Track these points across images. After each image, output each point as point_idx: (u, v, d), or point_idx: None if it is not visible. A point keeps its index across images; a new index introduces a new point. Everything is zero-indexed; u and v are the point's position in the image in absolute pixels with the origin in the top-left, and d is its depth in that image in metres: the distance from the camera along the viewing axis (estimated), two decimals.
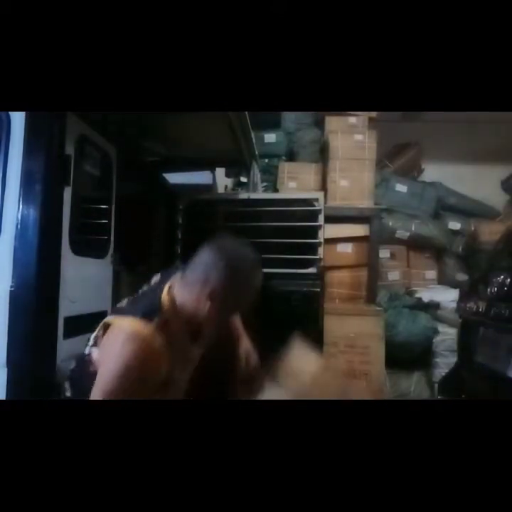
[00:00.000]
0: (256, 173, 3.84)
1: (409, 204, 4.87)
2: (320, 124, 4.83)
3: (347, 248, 4.32)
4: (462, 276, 4.81)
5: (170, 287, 1.38)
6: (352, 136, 4.48)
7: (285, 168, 4.60)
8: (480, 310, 2.14)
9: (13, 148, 1.72)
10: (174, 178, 3.84)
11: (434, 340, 4.04)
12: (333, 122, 4.68)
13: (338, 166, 4.42)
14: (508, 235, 2.39)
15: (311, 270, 3.26)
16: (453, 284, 4.72)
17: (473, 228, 4.90)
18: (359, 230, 4.31)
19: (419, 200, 4.92)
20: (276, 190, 4.54)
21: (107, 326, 1.36)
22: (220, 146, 3.08)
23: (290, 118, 4.82)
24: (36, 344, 1.68)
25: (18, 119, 1.71)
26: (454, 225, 5.03)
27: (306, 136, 4.81)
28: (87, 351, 1.42)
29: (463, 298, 2.77)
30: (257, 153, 3.64)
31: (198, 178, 4.16)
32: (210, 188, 4.36)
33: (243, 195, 3.51)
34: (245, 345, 1.76)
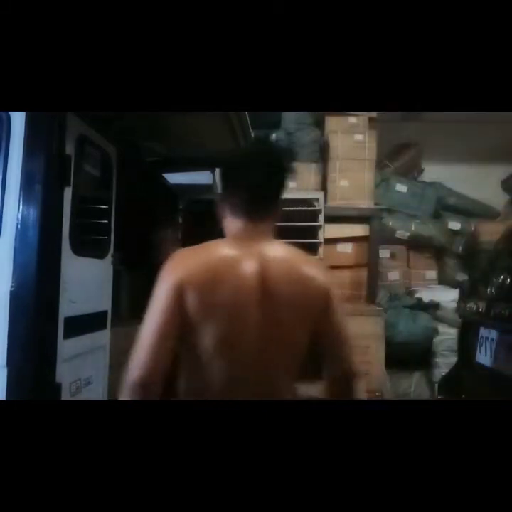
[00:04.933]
0: None
1: (409, 204, 4.88)
2: (320, 124, 4.84)
3: (347, 248, 4.33)
4: (462, 276, 4.81)
5: None
6: (352, 136, 4.49)
7: None
8: (480, 310, 2.14)
9: (13, 148, 1.72)
10: (174, 178, 3.84)
11: (434, 340, 4.04)
12: (333, 122, 4.68)
13: (338, 166, 4.42)
14: (508, 235, 2.38)
15: None
16: (453, 284, 4.73)
17: (473, 228, 4.91)
18: (359, 230, 4.31)
19: (419, 200, 4.92)
20: None
21: None
22: (220, 146, 3.08)
23: (290, 118, 4.82)
24: (36, 344, 1.68)
25: (18, 119, 1.71)
26: (454, 225, 5.03)
27: (306, 136, 4.81)
28: None
29: (463, 298, 2.77)
30: None
31: (198, 178, 4.17)
32: (210, 188, 4.37)
33: None
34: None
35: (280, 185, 1.26)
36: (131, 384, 1.11)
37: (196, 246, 1.21)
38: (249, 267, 1.15)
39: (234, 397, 1.14)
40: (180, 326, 1.12)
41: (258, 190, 1.21)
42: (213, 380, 1.16)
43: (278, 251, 1.21)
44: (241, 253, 1.16)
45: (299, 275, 1.18)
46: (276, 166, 1.25)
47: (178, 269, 1.14)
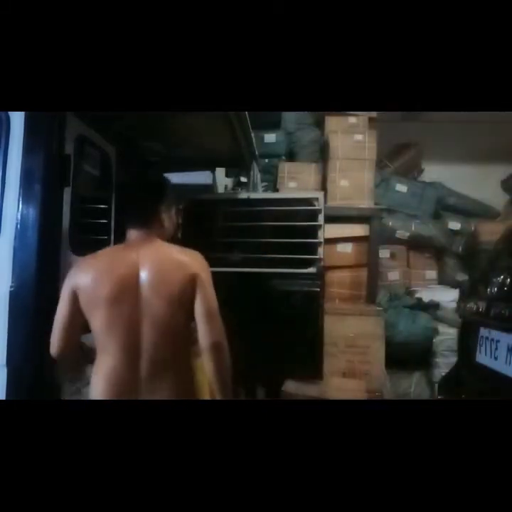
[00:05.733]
0: (256, 173, 3.84)
1: (409, 204, 4.88)
2: (320, 124, 4.84)
3: (347, 248, 4.33)
4: (462, 276, 4.81)
5: None
6: (352, 136, 4.49)
7: (285, 168, 4.60)
8: (480, 310, 2.14)
9: (13, 148, 1.72)
10: (174, 178, 3.83)
11: (434, 340, 4.04)
12: (333, 122, 4.68)
13: (338, 166, 4.43)
14: (508, 235, 2.38)
15: (311, 270, 3.26)
16: (453, 284, 4.73)
17: (473, 228, 4.90)
18: (359, 230, 4.31)
19: (419, 200, 4.92)
20: (276, 190, 4.54)
21: None
22: (220, 146, 3.08)
23: (290, 118, 4.82)
24: (36, 344, 1.68)
25: (17, 119, 1.71)
26: (454, 225, 5.03)
27: (306, 136, 4.82)
28: None
29: (463, 298, 2.77)
30: (257, 153, 3.64)
31: (198, 178, 4.16)
32: (210, 188, 4.37)
33: (243, 195, 3.51)
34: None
35: (153, 203, 1.58)
36: (51, 355, 1.51)
37: (94, 253, 1.55)
38: (130, 265, 1.46)
39: (125, 372, 1.44)
40: (79, 316, 1.47)
41: (134, 208, 1.57)
42: (108, 356, 1.45)
43: (157, 249, 1.51)
44: (127, 255, 1.49)
45: (171, 266, 1.49)
46: (148, 190, 1.60)
47: (74, 273, 1.49)
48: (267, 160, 4.61)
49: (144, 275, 1.45)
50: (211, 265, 1.66)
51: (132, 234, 1.54)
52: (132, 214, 1.56)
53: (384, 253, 4.65)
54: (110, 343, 1.44)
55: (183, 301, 1.47)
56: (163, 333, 1.46)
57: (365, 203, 4.39)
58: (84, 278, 1.45)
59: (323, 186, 4.47)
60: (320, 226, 3.30)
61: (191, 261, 1.52)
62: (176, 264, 1.50)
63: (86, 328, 1.50)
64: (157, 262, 1.48)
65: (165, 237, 1.59)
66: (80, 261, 1.53)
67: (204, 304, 1.48)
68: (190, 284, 1.47)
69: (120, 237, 2.43)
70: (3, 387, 1.63)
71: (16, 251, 1.68)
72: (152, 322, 1.45)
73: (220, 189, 4.65)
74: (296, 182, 4.56)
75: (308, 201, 3.39)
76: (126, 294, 1.44)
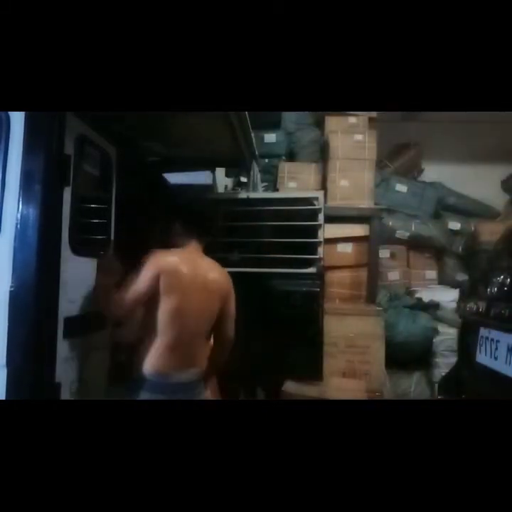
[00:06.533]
0: (256, 173, 3.84)
1: (409, 204, 4.88)
2: (320, 124, 4.84)
3: (347, 248, 4.33)
4: (462, 276, 4.81)
5: None
6: (352, 136, 4.49)
7: (285, 168, 4.60)
8: (480, 310, 2.14)
9: (13, 148, 1.71)
10: (174, 178, 3.83)
11: (434, 340, 4.04)
12: (333, 122, 4.69)
13: (338, 166, 4.43)
14: (508, 235, 2.38)
15: (311, 270, 3.26)
16: (453, 284, 4.73)
17: (473, 228, 4.90)
18: (359, 230, 4.31)
19: (419, 200, 4.92)
20: (276, 190, 4.54)
21: None
22: (220, 146, 3.08)
23: (290, 118, 4.82)
24: (36, 344, 1.68)
25: (17, 119, 1.71)
26: (454, 225, 5.03)
27: (306, 136, 4.82)
28: None
29: (463, 298, 2.77)
30: (257, 153, 3.64)
31: (198, 178, 4.16)
32: (210, 188, 4.36)
33: (243, 195, 3.51)
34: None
35: (207, 227, 2.17)
36: (111, 313, 1.99)
37: (170, 250, 2.00)
38: (198, 268, 1.98)
39: (178, 344, 1.91)
40: (151, 295, 1.87)
41: (202, 230, 2.11)
42: (164, 336, 1.90)
43: (206, 260, 2.07)
44: (194, 259, 2.01)
45: (218, 277, 2.05)
46: (205, 217, 2.21)
47: (160, 260, 1.92)
48: (267, 160, 4.61)
49: (205, 279, 1.97)
50: None
51: (190, 243, 2.05)
52: (198, 233, 2.07)
53: (384, 253, 4.65)
54: (170, 325, 1.89)
55: (219, 305, 2.03)
56: (203, 325, 2.00)
57: (365, 203, 4.39)
58: (170, 267, 1.90)
59: (323, 186, 4.47)
60: (320, 226, 3.30)
61: (227, 278, 2.08)
62: (221, 277, 2.06)
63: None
64: (211, 271, 2.03)
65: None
66: (163, 252, 1.94)
67: (230, 311, 2.08)
68: (226, 295, 2.05)
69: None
70: (3, 388, 1.63)
71: (16, 251, 1.68)
72: (201, 316, 1.97)
73: (220, 189, 4.64)
74: (296, 182, 4.56)
75: (308, 201, 3.39)
76: (193, 290, 1.92)
